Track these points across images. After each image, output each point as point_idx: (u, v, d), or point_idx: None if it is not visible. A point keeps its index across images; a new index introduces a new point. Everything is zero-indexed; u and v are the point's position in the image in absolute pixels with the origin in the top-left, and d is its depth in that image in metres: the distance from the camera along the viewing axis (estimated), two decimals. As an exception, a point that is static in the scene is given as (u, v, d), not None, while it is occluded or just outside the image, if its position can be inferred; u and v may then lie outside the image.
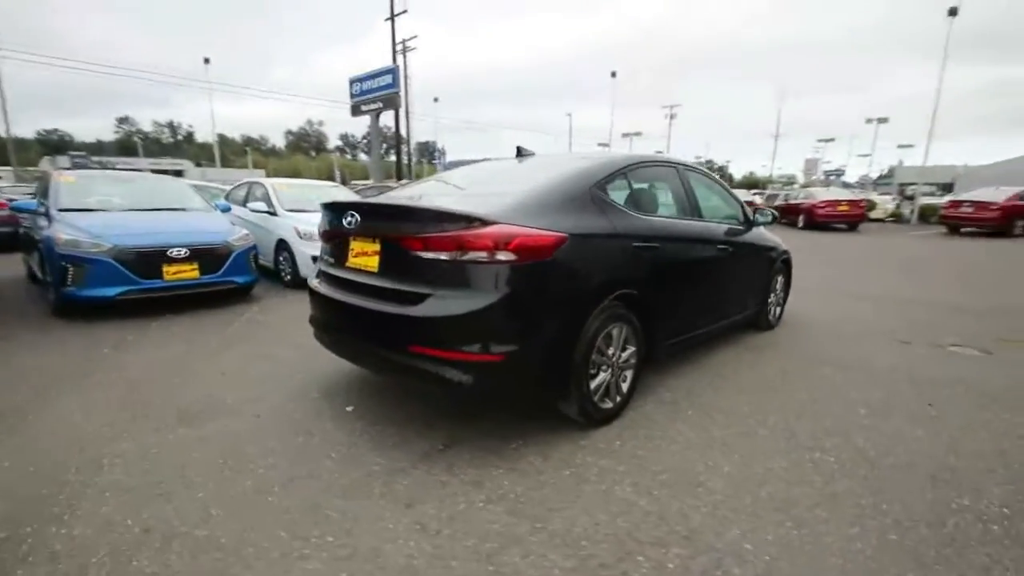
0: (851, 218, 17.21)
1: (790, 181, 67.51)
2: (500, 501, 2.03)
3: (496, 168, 3.38)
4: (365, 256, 2.55)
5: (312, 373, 3.41)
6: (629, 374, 2.80)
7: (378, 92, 24.60)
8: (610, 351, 2.62)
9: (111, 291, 4.52)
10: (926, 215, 19.52)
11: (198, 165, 40.37)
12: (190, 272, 4.94)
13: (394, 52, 28.11)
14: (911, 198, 22.80)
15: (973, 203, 15.12)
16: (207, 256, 5.08)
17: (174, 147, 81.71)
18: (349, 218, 2.56)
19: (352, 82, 26.00)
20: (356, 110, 26.91)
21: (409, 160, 33.43)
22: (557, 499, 2.05)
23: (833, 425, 2.73)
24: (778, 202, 20.55)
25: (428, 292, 2.23)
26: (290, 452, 2.40)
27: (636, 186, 2.96)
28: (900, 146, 50.96)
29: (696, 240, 3.30)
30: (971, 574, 1.67)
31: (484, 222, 2.16)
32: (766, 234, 4.48)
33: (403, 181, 21.96)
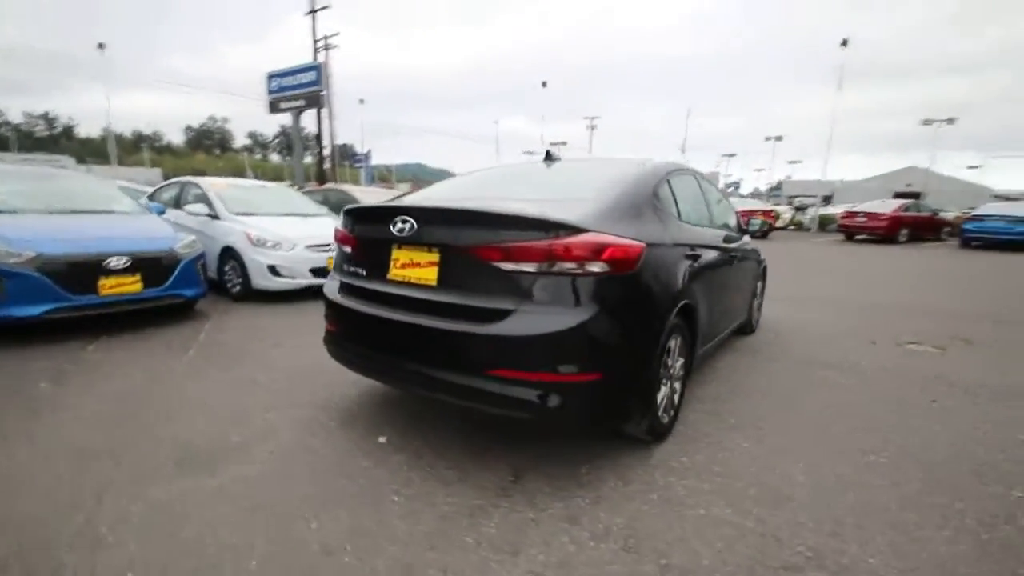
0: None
1: None
2: (607, 537, 1.85)
3: (533, 171, 3.17)
4: (417, 268, 2.25)
5: (314, 399, 3.00)
6: (678, 386, 2.73)
7: (300, 90, 23.19)
8: (670, 363, 2.53)
9: (35, 310, 3.72)
10: (824, 224, 21.81)
11: (81, 162, 35.58)
12: (131, 285, 4.22)
13: (315, 49, 26.66)
14: (801, 209, 25.49)
15: (866, 213, 17.11)
16: (151, 266, 4.37)
17: (50, 141, 71.58)
18: (401, 224, 2.24)
19: (270, 77, 24.31)
20: (274, 107, 25.15)
21: (333, 162, 31.78)
22: (664, 529, 1.90)
23: (862, 424, 2.83)
24: None
25: (511, 308, 2.00)
26: (339, 498, 2.05)
27: (677, 194, 2.91)
28: (790, 162, 56.67)
29: (719, 248, 3.33)
30: (1074, 567, 1.75)
31: (576, 229, 1.97)
32: (750, 241, 4.66)
33: (329, 184, 20.80)
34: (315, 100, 22.46)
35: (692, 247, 2.75)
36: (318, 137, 27.44)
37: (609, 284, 2.00)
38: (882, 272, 10.00)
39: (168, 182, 7.49)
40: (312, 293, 5.93)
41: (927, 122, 30.97)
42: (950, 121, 30.67)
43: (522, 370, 1.97)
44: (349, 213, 2.61)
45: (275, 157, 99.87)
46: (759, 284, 4.85)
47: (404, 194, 3.16)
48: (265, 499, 2.02)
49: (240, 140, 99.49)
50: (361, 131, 60.14)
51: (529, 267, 1.98)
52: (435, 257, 2.19)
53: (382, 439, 2.55)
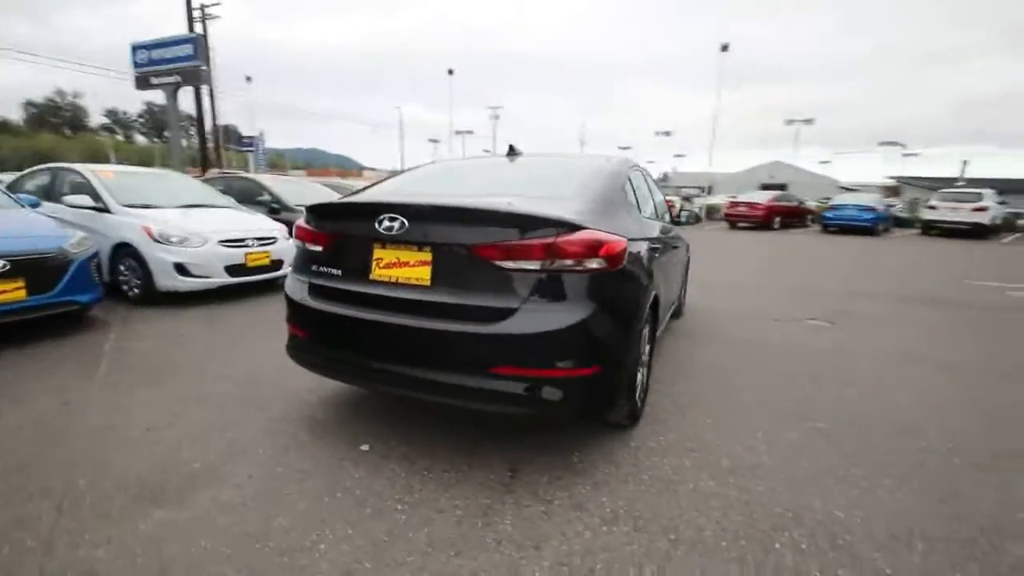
0: (663, 215, 20.26)
1: None
2: (616, 520, 1.94)
3: (502, 166, 3.12)
4: (406, 267, 2.16)
5: (272, 412, 2.78)
6: (645, 371, 2.90)
7: (175, 64, 20.71)
8: (642, 350, 2.68)
9: None
10: (710, 213, 23.99)
11: None
12: (14, 292, 3.55)
13: (190, 19, 23.92)
14: (688, 199, 27.90)
15: (747, 203, 19.11)
16: (37, 269, 3.72)
17: None
18: (388, 223, 2.12)
19: (136, 49, 21.41)
20: (143, 83, 22.27)
21: (217, 145, 28.76)
22: (664, 507, 2.04)
23: (794, 395, 3.22)
24: None
25: (514, 306, 2.00)
26: (340, 515, 1.93)
27: (636, 189, 3.06)
28: (676, 155, 61.36)
29: (665, 239, 3.56)
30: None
31: (574, 227, 2.01)
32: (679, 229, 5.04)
33: (215, 171, 18.90)
34: (194, 76, 20.13)
35: (651, 239, 2.92)
36: (198, 117, 24.73)
37: (603, 280, 2.07)
38: (765, 256, 11.29)
39: (34, 169, 6.35)
40: (226, 294, 5.42)
41: (789, 122, 35.24)
42: (808, 121, 35.19)
43: (526, 367, 1.99)
44: (319, 209, 2.42)
45: (140, 138, 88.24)
46: (686, 270, 5.27)
47: (364, 188, 2.96)
48: (256, 526, 1.85)
49: (96, 118, 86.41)
50: (249, 112, 55.08)
51: (531, 265, 1.99)
52: (427, 256, 2.12)
53: (364, 447, 2.43)
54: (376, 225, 2.15)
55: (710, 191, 38.79)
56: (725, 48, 23.78)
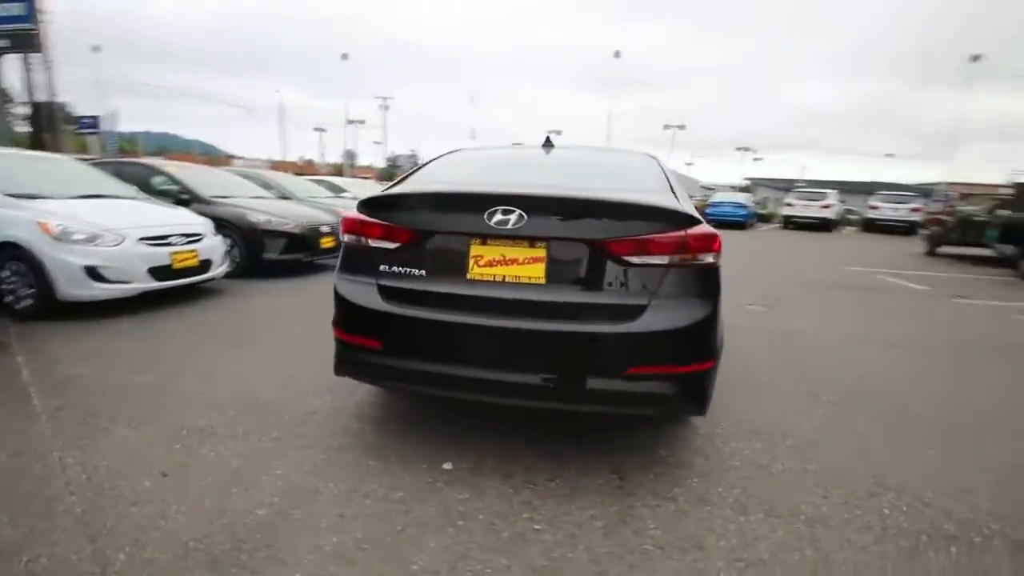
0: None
1: None
2: (748, 510, 1.96)
3: (545, 157, 2.94)
4: (514, 265, 1.97)
5: (313, 436, 2.40)
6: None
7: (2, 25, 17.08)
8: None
9: None
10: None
11: None
12: None
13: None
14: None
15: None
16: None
17: None
18: (502, 216, 1.91)
19: (-60, 0, 17.26)
20: (-49, 44, 18.21)
21: (39, 127, 23.93)
22: (775, 490, 2.11)
23: (772, 377, 3.55)
24: None
25: (644, 303, 1.92)
26: (483, 544, 1.71)
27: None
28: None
29: None
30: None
31: (694, 220, 1.99)
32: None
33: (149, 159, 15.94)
34: (28, 42, 16.70)
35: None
36: (28, 91, 20.47)
37: (714, 273, 2.08)
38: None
39: None
40: (150, 301, 4.57)
41: (666, 126, 38.75)
42: (681, 127, 39.03)
43: (663, 365, 1.93)
44: (391, 201, 2.12)
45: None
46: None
47: (401, 179, 2.59)
48: (399, 574, 1.57)
49: None
50: (89, 89, 46.51)
51: (660, 260, 1.93)
52: (541, 252, 1.96)
53: (447, 465, 2.19)
54: (485, 219, 1.94)
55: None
56: (617, 55, 25.40)
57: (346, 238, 2.25)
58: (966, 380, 3.64)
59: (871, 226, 20.22)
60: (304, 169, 52.79)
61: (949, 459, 2.43)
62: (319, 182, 10.87)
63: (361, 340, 2.15)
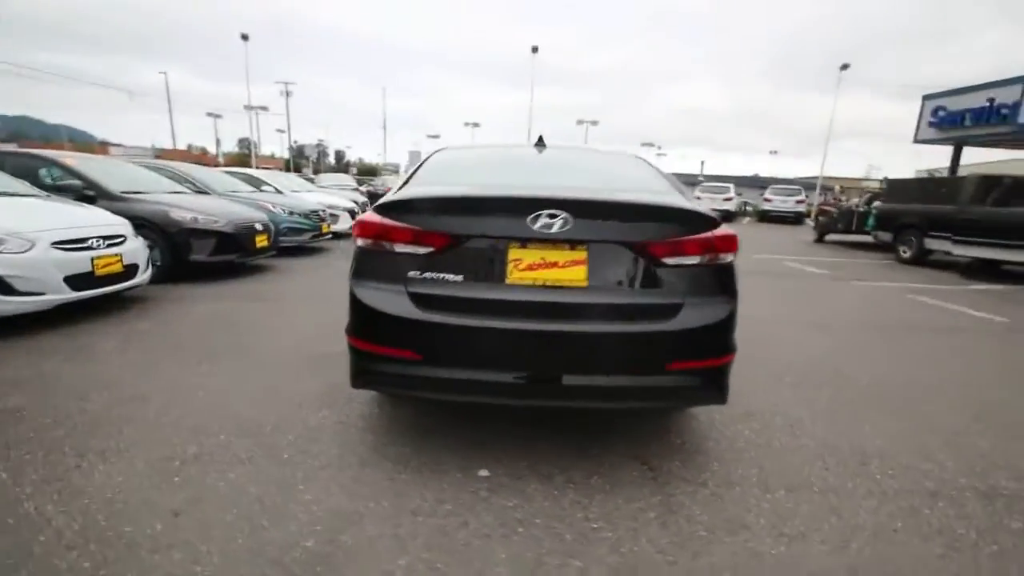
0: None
1: (395, 170, 76.38)
2: (770, 487, 2.14)
3: (540, 157, 2.91)
4: (555, 268, 1.97)
5: (331, 455, 2.26)
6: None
7: None
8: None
9: None
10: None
11: None
12: None
13: None
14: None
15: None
16: None
17: None
18: (547, 219, 1.90)
19: None
20: None
21: None
22: (784, 466, 2.31)
23: (756, 357, 3.89)
24: None
25: (680, 301, 2.01)
26: (554, 550, 1.71)
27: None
28: (481, 145, 64.04)
29: None
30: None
31: (716, 222, 2.11)
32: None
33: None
34: None
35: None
36: None
37: (734, 271, 2.20)
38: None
39: None
40: (69, 314, 4.01)
41: (580, 122, 40.05)
42: (594, 123, 40.54)
43: (699, 360, 2.03)
44: (428, 204, 2.02)
45: None
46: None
47: (408, 179, 2.46)
48: (472, 589, 1.53)
49: None
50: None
51: (692, 260, 2.02)
52: (582, 255, 1.97)
53: (483, 472, 2.16)
54: (528, 222, 1.92)
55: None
56: (535, 50, 25.76)
57: (364, 243, 2.12)
58: (894, 355, 4.19)
59: (765, 217, 22.43)
60: (200, 159, 48.16)
61: (906, 426, 2.80)
62: (233, 174, 9.99)
63: (392, 351, 2.04)
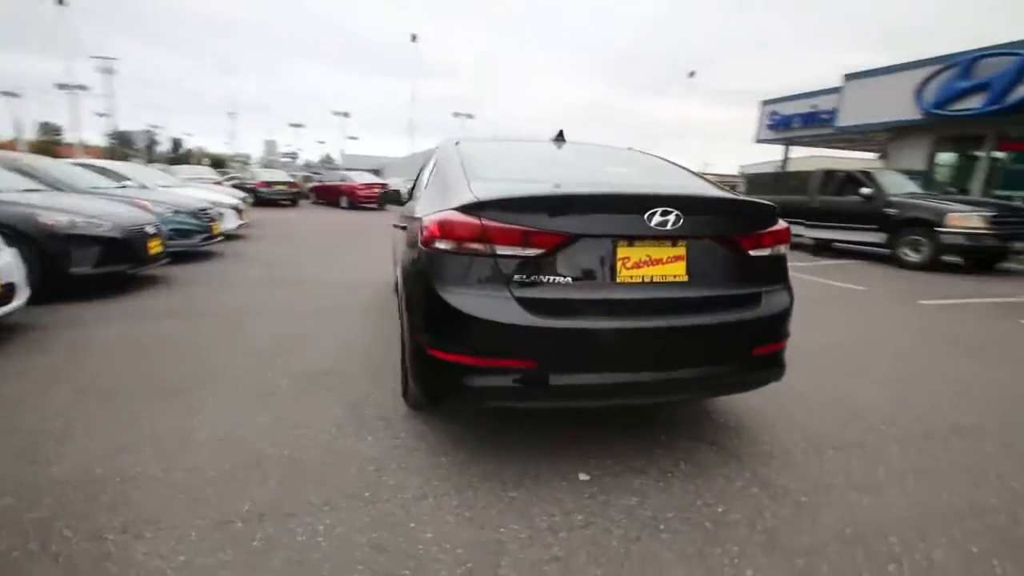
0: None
1: (246, 161, 69.51)
2: (773, 458, 2.42)
3: (589, 153, 2.92)
4: (658, 265, 1.98)
5: (407, 489, 2.03)
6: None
7: None
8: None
9: None
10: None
11: None
12: None
13: None
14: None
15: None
16: None
17: None
18: (661, 217, 1.89)
19: None
20: None
21: None
22: (772, 434, 2.62)
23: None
24: (313, 184, 21.84)
25: (759, 290, 2.16)
26: (675, 550, 1.75)
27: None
28: (350, 137, 60.75)
29: None
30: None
31: (777, 215, 2.29)
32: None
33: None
34: None
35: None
36: None
37: (786, 260, 2.39)
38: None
39: None
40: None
41: (456, 114, 39.94)
42: (470, 116, 40.70)
43: (770, 344, 2.18)
44: (538, 203, 1.89)
45: None
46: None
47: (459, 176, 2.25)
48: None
49: None
50: None
51: (766, 251, 2.18)
52: (681, 251, 2.01)
53: (584, 476, 2.11)
54: (644, 219, 1.90)
55: (379, 173, 40.75)
56: (414, 39, 24.95)
57: (452, 245, 1.93)
58: (814, 324, 4.90)
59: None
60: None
61: (881, 388, 3.33)
62: (86, 167, 8.25)
63: (500, 361, 1.89)
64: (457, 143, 2.87)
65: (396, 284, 3.90)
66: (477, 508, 1.89)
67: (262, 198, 17.87)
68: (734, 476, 2.16)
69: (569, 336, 1.89)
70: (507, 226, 1.88)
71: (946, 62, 11.75)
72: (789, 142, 18.46)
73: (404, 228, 2.87)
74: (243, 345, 3.60)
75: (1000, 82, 10.63)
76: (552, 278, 1.92)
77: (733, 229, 2.11)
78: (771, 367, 2.27)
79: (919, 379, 3.42)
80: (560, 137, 3.08)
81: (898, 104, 12.88)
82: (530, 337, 1.87)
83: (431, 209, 2.20)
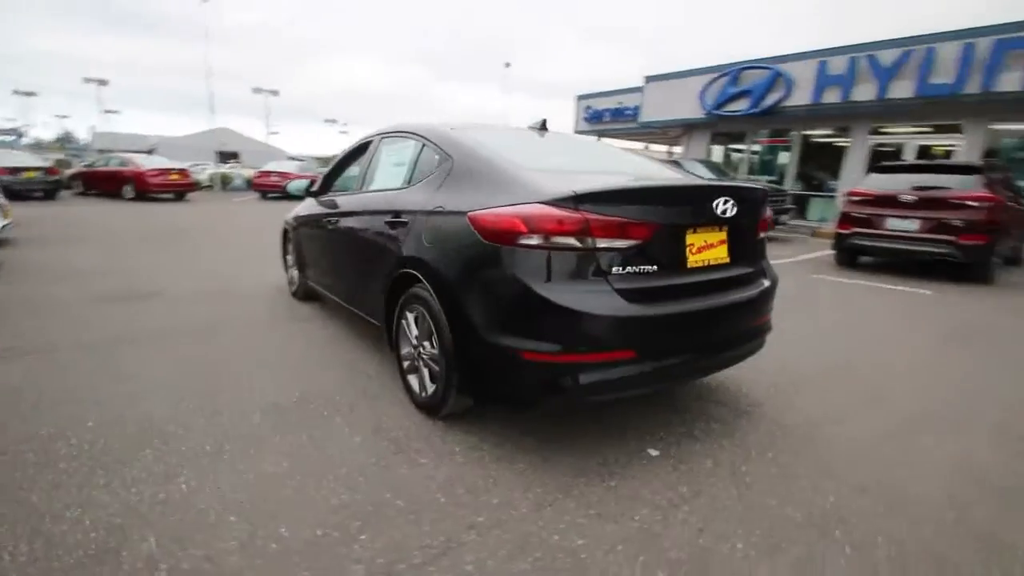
0: (182, 187, 16.88)
1: None
2: (763, 422, 2.95)
3: (583, 143, 2.92)
4: (711, 249, 2.18)
5: (513, 507, 1.92)
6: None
7: None
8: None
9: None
10: (225, 182, 21.87)
11: None
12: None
13: None
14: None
15: (278, 173, 18.78)
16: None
17: None
18: (723, 205, 2.05)
19: None
20: None
21: None
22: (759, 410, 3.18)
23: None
24: (79, 169, 17.21)
25: (763, 267, 2.51)
26: (750, 519, 2.03)
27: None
28: (107, 111, 49.05)
29: None
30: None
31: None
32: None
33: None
34: None
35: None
36: None
37: None
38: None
39: None
40: None
41: (257, 90, 35.20)
42: (274, 92, 36.25)
43: (767, 314, 2.55)
44: (630, 195, 1.90)
45: None
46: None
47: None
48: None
49: None
50: None
51: (764, 232, 2.55)
52: (724, 235, 2.24)
53: (654, 452, 2.24)
54: (713, 207, 2.07)
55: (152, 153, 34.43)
56: (205, -3, 20.97)
57: (543, 240, 1.84)
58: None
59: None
60: None
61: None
62: None
63: (605, 355, 1.88)
64: (452, 128, 2.67)
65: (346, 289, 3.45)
66: (595, 503, 1.88)
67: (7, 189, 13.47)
68: (750, 429, 2.51)
69: (659, 322, 1.98)
70: (608, 218, 1.87)
71: (720, 71, 14.57)
72: (602, 134, 20.82)
73: (401, 224, 2.56)
74: (152, 389, 2.79)
75: (758, 90, 13.63)
76: (641, 267, 1.98)
77: (758, 215, 2.42)
78: (764, 334, 2.67)
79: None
80: (543, 126, 3.07)
81: (687, 104, 15.54)
82: (631, 327, 1.91)
83: (459, 202, 2.13)
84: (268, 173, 18.89)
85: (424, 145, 2.72)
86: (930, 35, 10.79)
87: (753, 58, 13.90)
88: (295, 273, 4.70)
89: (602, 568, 1.57)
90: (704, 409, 2.69)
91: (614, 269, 1.92)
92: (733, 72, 14.30)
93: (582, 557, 1.61)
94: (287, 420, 2.44)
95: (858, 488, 2.02)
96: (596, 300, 1.87)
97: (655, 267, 2.02)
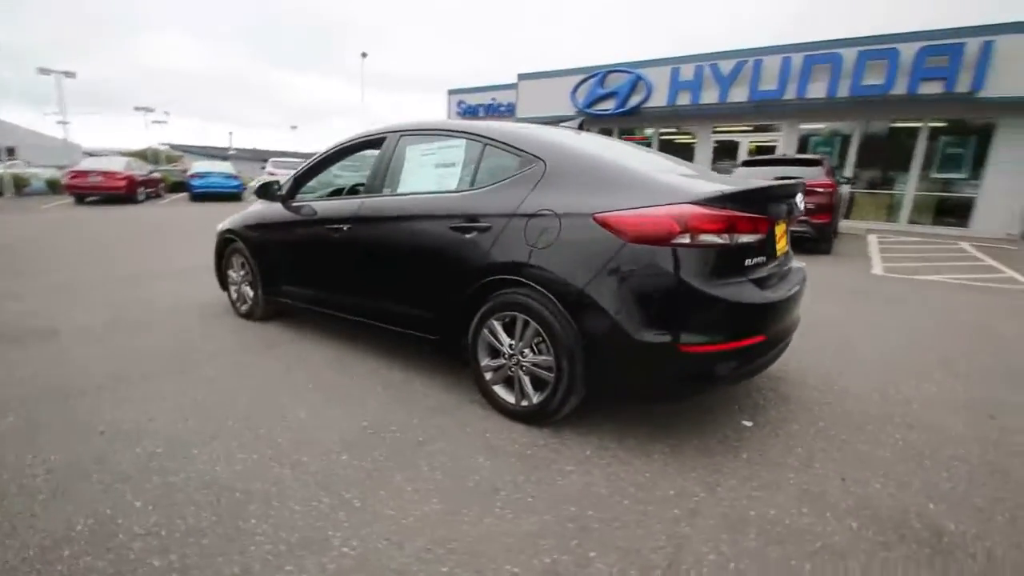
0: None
1: None
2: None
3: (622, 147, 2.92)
4: (783, 239, 2.49)
5: (655, 484, 2.02)
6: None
7: None
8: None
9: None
10: (20, 185, 17.39)
11: None
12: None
13: None
14: None
15: (101, 173, 15.54)
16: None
17: None
18: (802, 198, 2.37)
19: None
20: None
21: None
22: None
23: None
24: None
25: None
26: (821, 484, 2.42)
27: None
28: None
29: None
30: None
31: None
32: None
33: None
34: None
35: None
36: None
37: None
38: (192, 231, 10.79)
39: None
40: None
41: (45, 71, 28.17)
42: (69, 74, 29.36)
43: None
44: (758, 193, 2.07)
45: None
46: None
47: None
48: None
49: None
50: None
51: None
52: (785, 227, 2.57)
53: (747, 423, 2.50)
54: (796, 202, 2.36)
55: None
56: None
57: (692, 238, 1.95)
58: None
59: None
60: None
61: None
62: None
63: (748, 341, 2.06)
64: (523, 128, 2.63)
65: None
66: (750, 476, 2.05)
67: None
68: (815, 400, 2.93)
69: (779, 307, 2.23)
70: (745, 215, 2.04)
71: (589, 73, 15.74)
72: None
73: (480, 229, 2.43)
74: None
75: (622, 92, 15.05)
76: (757, 259, 2.19)
77: (800, 209, 2.79)
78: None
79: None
80: (581, 127, 3.12)
81: (560, 102, 16.51)
82: (767, 313, 2.13)
83: (572, 204, 2.17)
84: (86, 173, 15.52)
85: (487, 146, 2.60)
86: (759, 48, 13.00)
87: (617, 62, 15.26)
88: (247, 290, 4.06)
89: (817, 532, 1.75)
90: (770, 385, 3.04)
91: (747, 262, 2.11)
92: (600, 74, 15.55)
93: (787, 523, 1.78)
94: (385, 454, 2.19)
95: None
96: (744, 291, 2.05)
97: (764, 258, 2.26)
